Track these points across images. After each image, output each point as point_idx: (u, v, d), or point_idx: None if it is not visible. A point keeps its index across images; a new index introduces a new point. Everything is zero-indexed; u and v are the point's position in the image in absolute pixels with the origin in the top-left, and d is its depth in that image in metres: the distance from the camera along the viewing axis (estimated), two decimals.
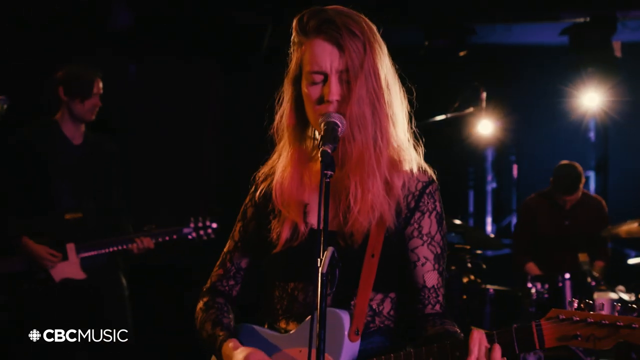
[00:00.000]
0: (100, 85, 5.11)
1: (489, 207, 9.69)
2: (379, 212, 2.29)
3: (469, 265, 5.25)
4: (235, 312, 2.56)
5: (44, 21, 6.19)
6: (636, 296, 5.16)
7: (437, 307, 2.37)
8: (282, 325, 2.40)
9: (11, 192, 5.02)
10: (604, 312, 2.04)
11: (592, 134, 9.03)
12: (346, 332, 2.27)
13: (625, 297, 5.15)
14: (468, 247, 5.35)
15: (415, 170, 2.37)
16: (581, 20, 7.37)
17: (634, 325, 1.99)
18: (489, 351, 2.08)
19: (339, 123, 2.20)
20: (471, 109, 5.90)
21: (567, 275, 5.33)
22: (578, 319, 2.05)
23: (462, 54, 7.27)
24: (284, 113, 2.41)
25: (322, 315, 2.01)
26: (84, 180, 5.14)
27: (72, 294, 4.92)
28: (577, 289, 5.25)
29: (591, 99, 7.51)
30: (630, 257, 6.86)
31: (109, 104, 5.27)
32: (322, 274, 2.01)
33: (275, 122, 2.44)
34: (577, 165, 6.19)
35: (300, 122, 2.38)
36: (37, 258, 4.83)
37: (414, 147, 2.42)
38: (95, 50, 6.36)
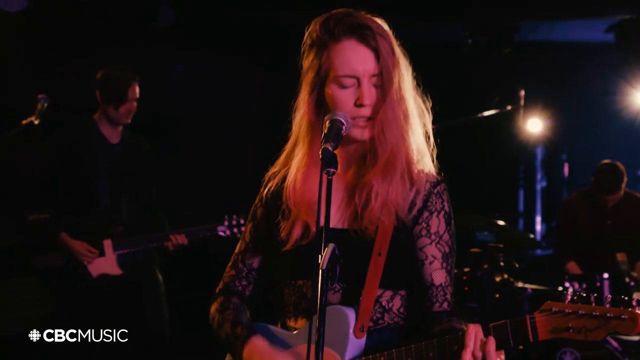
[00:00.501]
0: (137, 90, 5.14)
1: (539, 206, 9.58)
2: (394, 209, 2.33)
3: (502, 264, 5.20)
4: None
5: (88, 19, 6.29)
6: None
7: (445, 305, 2.40)
8: (292, 323, 2.43)
9: (51, 190, 5.10)
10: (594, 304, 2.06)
11: None
12: (351, 329, 2.30)
13: None
14: (501, 245, 5.30)
15: (425, 170, 2.41)
16: (627, 17, 7.24)
17: (623, 317, 2.00)
18: (484, 344, 2.10)
19: (343, 121, 2.21)
20: (509, 107, 5.83)
21: (606, 275, 5.23)
22: (570, 311, 2.06)
23: (506, 51, 7.19)
24: (300, 114, 2.43)
25: (321, 311, 2.02)
26: (121, 179, 5.21)
27: (109, 289, 5.02)
28: (616, 289, 5.15)
29: None
30: None
31: (155, 101, 5.35)
32: (321, 270, 2.03)
33: (294, 123, 2.47)
34: (619, 164, 6.07)
35: (319, 124, 2.37)
36: (75, 254, 4.94)
37: (426, 149, 2.45)
38: (141, 48, 6.46)
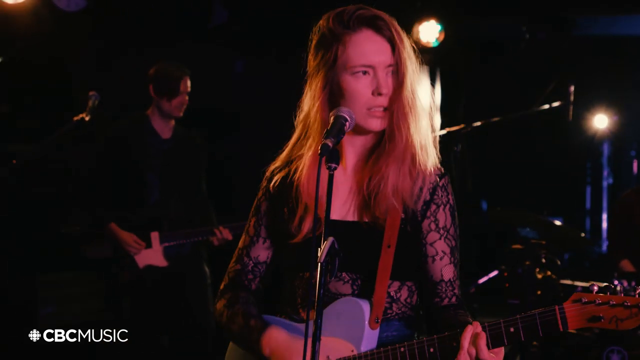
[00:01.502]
0: (188, 83, 5.30)
1: (605, 204, 9.41)
2: (402, 197, 2.37)
3: (544, 260, 5.15)
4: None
5: (144, 18, 6.44)
6: None
7: (453, 299, 2.44)
8: (303, 314, 2.46)
9: (104, 183, 5.27)
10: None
11: None
12: (367, 321, 2.34)
13: None
14: (544, 242, 5.25)
15: (430, 163, 2.44)
16: None
17: None
18: (475, 339, 2.15)
19: (347, 117, 2.25)
20: (558, 103, 5.74)
21: None
22: (601, 301, 2.13)
23: (563, 45, 7.08)
24: (312, 110, 2.44)
25: (319, 304, 2.06)
26: (171, 174, 5.34)
27: (156, 280, 5.16)
28: None
29: None
30: None
31: (214, 98, 5.46)
32: (319, 263, 2.06)
33: (300, 116, 2.50)
34: None
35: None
36: (123, 244, 5.10)
37: (431, 142, 2.49)
38: (196, 46, 6.60)
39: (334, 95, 2.38)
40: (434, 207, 2.43)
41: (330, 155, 2.13)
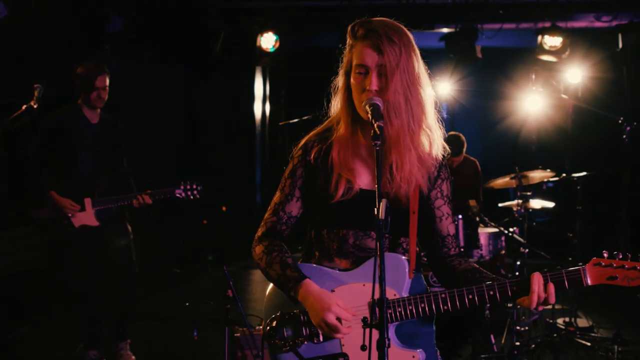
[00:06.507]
0: (105, 79, 6.03)
1: None
2: (415, 179, 2.70)
3: None
4: None
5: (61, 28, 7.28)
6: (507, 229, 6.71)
7: (458, 249, 2.88)
8: (337, 262, 2.76)
9: (45, 159, 5.95)
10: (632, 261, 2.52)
11: None
12: (407, 272, 2.68)
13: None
14: None
15: (436, 146, 2.77)
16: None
17: None
18: (545, 287, 2.55)
19: (380, 104, 2.53)
20: None
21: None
22: (617, 265, 2.53)
23: None
24: (338, 98, 2.78)
25: (381, 251, 2.27)
26: (100, 151, 6.09)
27: (89, 236, 5.98)
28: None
29: None
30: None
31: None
32: (379, 219, 2.27)
33: (332, 105, 2.85)
34: None
35: (350, 106, 2.71)
36: (62, 208, 5.85)
37: (437, 130, 2.78)
38: (96, 50, 7.58)
39: (349, 89, 2.69)
40: (439, 181, 2.80)
41: (379, 135, 2.39)
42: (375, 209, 2.27)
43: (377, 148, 2.34)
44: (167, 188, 6.21)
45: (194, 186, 6.25)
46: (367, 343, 2.45)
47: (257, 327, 5.04)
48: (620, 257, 2.52)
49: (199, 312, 4.98)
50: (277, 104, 12.80)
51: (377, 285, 2.24)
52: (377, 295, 2.23)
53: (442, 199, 2.80)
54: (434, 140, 2.74)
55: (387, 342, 2.23)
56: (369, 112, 2.47)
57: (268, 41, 10.13)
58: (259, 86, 12.30)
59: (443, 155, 2.79)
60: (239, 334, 5.02)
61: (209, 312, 4.95)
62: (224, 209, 11.98)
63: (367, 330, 2.58)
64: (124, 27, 7.94)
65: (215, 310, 4.81)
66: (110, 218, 6.16)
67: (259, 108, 12.34)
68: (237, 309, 4.53)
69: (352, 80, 2.64)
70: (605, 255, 2.52)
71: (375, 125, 2.39)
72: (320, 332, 2.67)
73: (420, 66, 2.67)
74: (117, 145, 6.35)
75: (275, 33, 10.09)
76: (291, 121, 6.98)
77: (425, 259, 2.94)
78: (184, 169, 9.78)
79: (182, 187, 6.23)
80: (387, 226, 2.25)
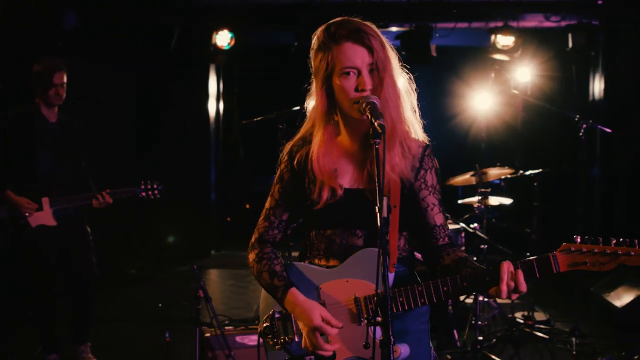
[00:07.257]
0: (63, 76, 5.95)
1: None
2: (398, 171, 2.71)
3: None
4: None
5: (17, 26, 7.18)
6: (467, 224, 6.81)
7: (447, 239, 2.83)
8: (324, 262, 2.80)
9: (2, 158, 5.81)
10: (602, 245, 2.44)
11: None
12: (387, 266, 2.55)
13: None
14: None
15: (417, 138, 2.79)
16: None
17: (631, 253, 2.43)
18: (514, 275, 2.49)
19: (376, 102, 2.52)
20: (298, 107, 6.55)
21: None
22: (586, 250, 2.45)
23: None
24: (315, 104, 2.76)
25: (383, 247, 2.29)
26: (58, 150, 5.96)
27: (46, 236, 5.83)
28: None
29: None
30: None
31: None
32: (383, 217, 2.31)
33: (308, 110, 2.86)
34: None
35: (330, 109, 2.72)
36: (18, 207, 5.72)
37: (415, 120, 2.82)
38: (51, 47, 7.46)
39: (331, 92, 2.67)
40: (422, 171, 2.77)
41: (379, 132, 2.39)
42: (377, 208, 2.30)
43: (377, 146, 2.35)
44: (128, 187, 6.15)
45: (155, 185, 6.23)
46: (362, 343, 2.57)
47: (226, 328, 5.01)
48: (592, 240, 2.46)
49: (165, 313, 4.91)
50: (230, 102, 12.75)
51: (372, 282, 2.33)
52: (373, 292, 2.29)
53: (427, 190, 2.80)
54: (416, 131, 2.78)
55: (391, 339, 2.26)
56: (367, 112, 2.46)
57: (223, 39, 10.14)
58: (212, 84, 12.23)
59: (426, 144, 2.79)
60: (209, 334, 4.97)
61: (176, 313, 4.88)
62: (247, 206, 12.05)
63: (361, 329, 2.65)
64: (78, 24, 7.81)
65: (179, 311, 4.73)
66: (69, 218, 6.05)
67: (213, 106, 12.26)
68: (208, 309, 4.48)
69: (337, 82, 2.62)
70: (578, 240, 2.45)
71: (375, 123, 2.38)
72: None
73: (395, 58, 2.72)
74: (76, 145, 6.25)
75: (231, 30, 10.09)
76: (255, 119, 6.90)
77: (420, 255, 2.94)
78: (140, 168, 9.65)
79: (142, 187, 6.19)
80: (387, 224, 2.32)
